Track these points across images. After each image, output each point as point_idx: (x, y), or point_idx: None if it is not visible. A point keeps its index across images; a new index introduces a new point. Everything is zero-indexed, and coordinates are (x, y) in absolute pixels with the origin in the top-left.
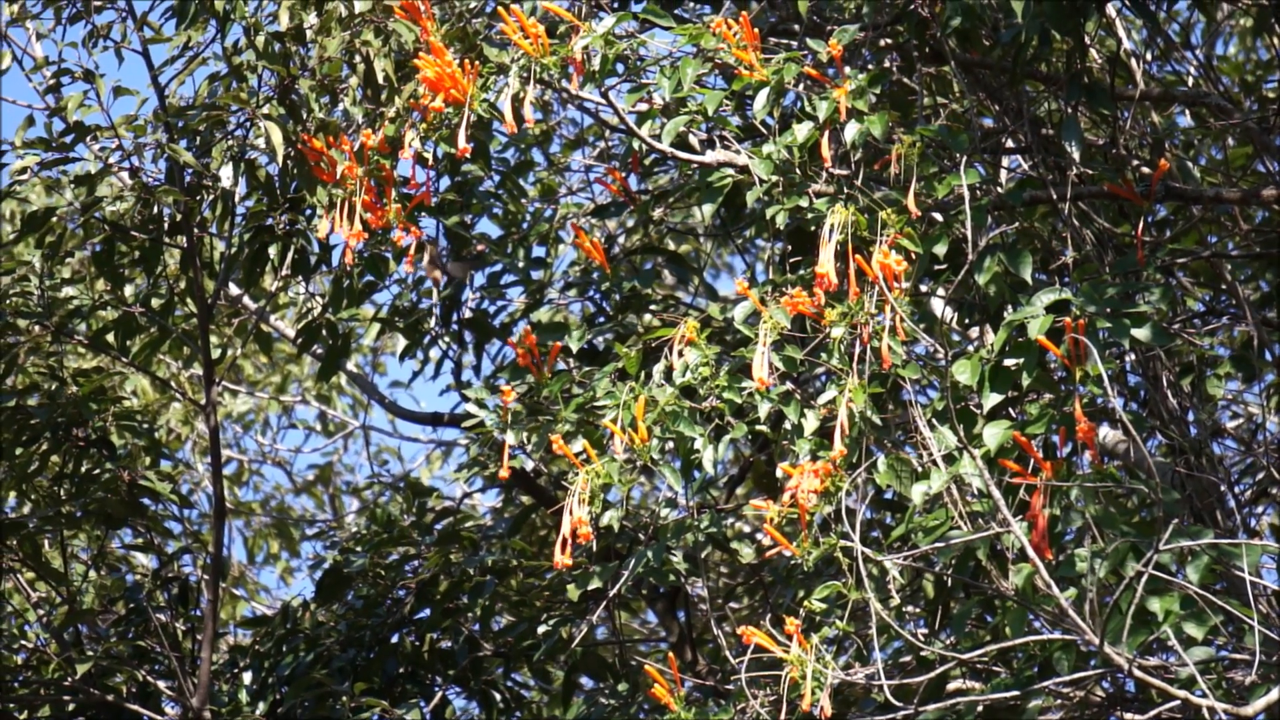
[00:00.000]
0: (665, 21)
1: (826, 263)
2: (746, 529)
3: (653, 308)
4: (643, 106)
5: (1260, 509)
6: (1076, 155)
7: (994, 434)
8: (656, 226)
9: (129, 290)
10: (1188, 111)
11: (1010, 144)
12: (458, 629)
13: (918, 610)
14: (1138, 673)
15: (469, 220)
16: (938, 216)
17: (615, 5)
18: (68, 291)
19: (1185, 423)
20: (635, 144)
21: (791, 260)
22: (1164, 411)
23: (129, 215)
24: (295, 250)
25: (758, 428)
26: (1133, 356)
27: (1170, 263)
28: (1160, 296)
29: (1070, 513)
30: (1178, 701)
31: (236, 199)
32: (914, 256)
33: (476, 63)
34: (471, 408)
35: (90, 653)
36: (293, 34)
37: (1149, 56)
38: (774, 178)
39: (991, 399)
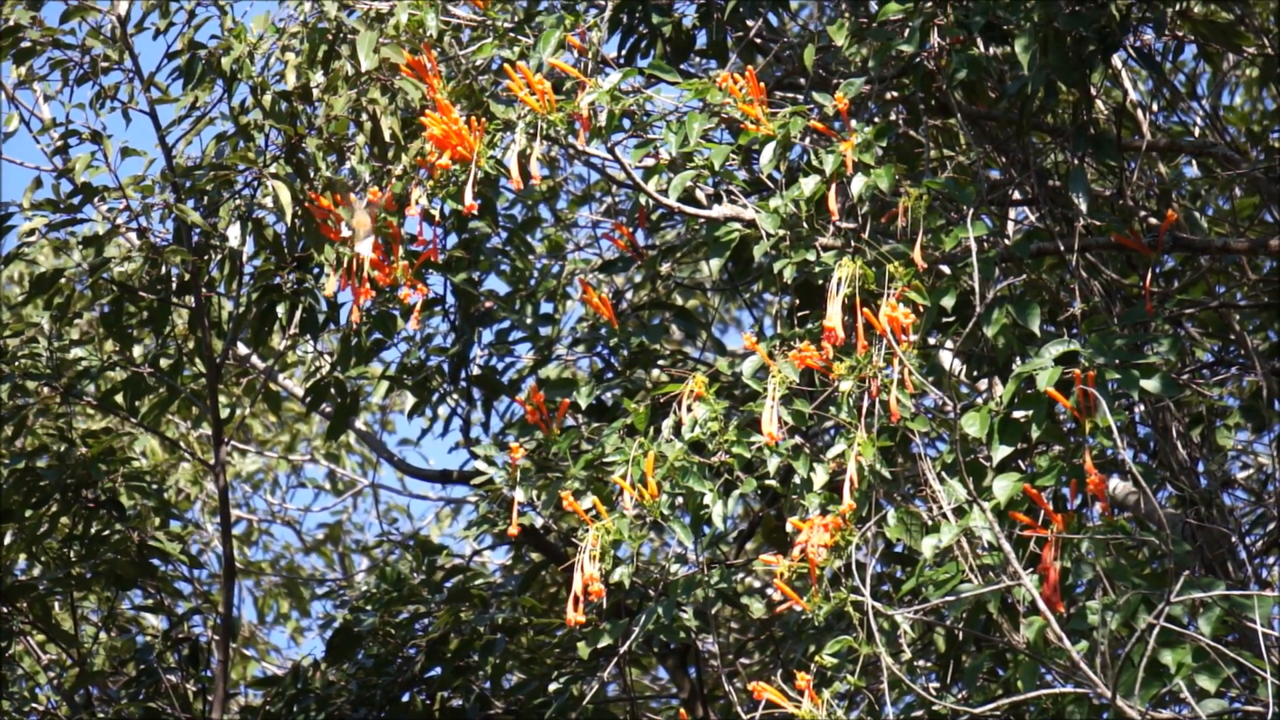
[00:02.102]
0: (671, 77)
1: (834, 316)
2: (757, 584)
3: (661, 363)
4: (649, 162)
5: (1271, 560)
6: (1084, 206)
7: (1004, 486)
8: (664, 281)
9: (137, 351)
10: (1194, 162)
11: (1017, 196)
12: (469, 687)
13: (929, 664)
14: None
15: (477, 277)
16: (945, 269)
17: (621, 61)
18: (76, 353)
19: (1195, 474)
20: (642, 199)
21: (799, 314)
22: (1174, 463)
23: (137, 276)
24: (303, 309)
25: (767, 482)
26: (1142, 408)
27: (1179, 313)
28: (1169, 347)
29: (1081, 565)
30: None
31: (244, 258)
32: (922, 309)
33: (483, 120)
34: (480, 465)
35: (101, 715)
36: (299, 93)
37: (1155, 107)
38: (781, 232)
39: (1001, 451)
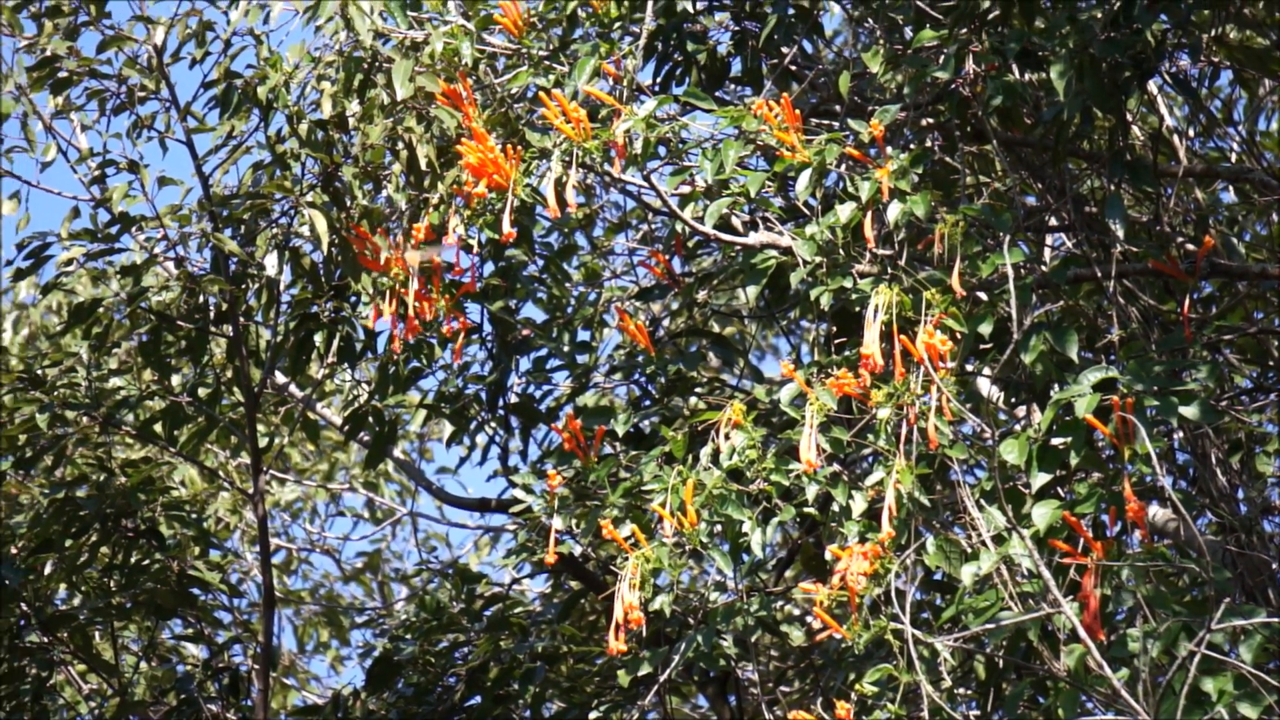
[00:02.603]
0: (707, 104)
1: (871, 343)
2: (796, 612)
3: (698, 390)
4: (685, 189)
5: None
6: (1120, 233)
7: (1043, 514)
8: (701, 309)
9: (176, 380)
10: (1231, 187)
11: (1054, 222)
12: (509, 716)
13: (969, 692)
14: None
15: (513, 305)
16: (982, 296)
17: (656, 89)
18: (115, 382)
19: (1235, 500)
20: (678, 226)
21: (836, 341)
22: (1213, 489)
23: (175, 305)
24: (341, 337)
25: (806, 510)
26: (1181, 434)
27: (1217, 339)
28: (1207, 374)
29: (1121, 592)
30: None
31: (281, 287)
32: (959, 336)
33: (519, 148)
34: (519, 493)
35: None
36: (335, 122)
37: (1191, 133)
38: (817, 259)
39: (1040, 478)
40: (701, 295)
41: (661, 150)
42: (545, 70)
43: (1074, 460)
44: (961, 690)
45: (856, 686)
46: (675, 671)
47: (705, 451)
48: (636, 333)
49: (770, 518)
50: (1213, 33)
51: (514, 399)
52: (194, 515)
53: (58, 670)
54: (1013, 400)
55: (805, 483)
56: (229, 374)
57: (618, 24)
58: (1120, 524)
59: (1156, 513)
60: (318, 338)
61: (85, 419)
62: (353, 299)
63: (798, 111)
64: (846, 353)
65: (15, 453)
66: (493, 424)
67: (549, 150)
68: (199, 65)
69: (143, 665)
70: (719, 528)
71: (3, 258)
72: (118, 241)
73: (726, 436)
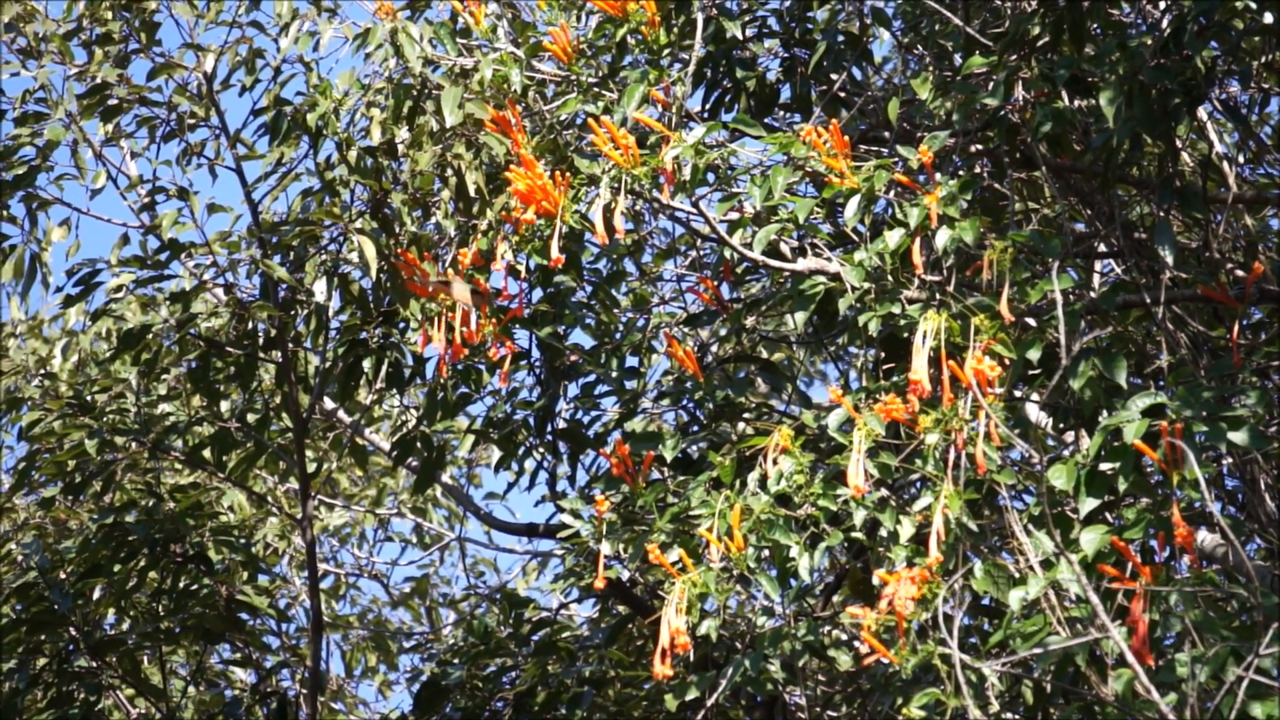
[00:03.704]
0: (755, 130)
1: (920, 369)
2: (844, 636)
3: (746, 416)
4: (734, 215)
5: None
6: (1170, 259)
7: (1091, 539)
8: (749, 335)
9: (225, 406)
10: None
11: (1102, 248)
12: None
13: (1017, 717)
14: None
15: (562, 331)
16: (1031, 321)
17: (705, 115)
18: (164, 408)
19: None
20: (727, 253)
21: (885, 367)
22: (1262, 515)
23: (224, 331)
24: (389, 364)
25: (853, 535)
26: (1230, 460)
27: (1266, 365)
28: (1257, 400)
29: (1169, 618)
30: None
31: (330, 313)
32: (1008, 362)
33: (567, 174)
34: (567, 518)
35: None
36: (384, 149)
37: (1241, 159)
38: (866, 285)
39: (1088, 504)
40: (750, 321)
41: (710, 177)
42: (594, 97)
43: (1122, 486)
44: (1009, 715)
45: (904, 711)
46: (722, 696)
47: (753, 477)
48: (685, 359)
49: (818, 543)
50: (1263, 59)
51: (562, 424)
52: (242, 540)
53: (106, 695)
54: (1061, 426)
55: (853, 508)
56: (278, 400)
57: (667, 51)
58: (1169, 549)
59: (1205, 538)
60: (366, 363)
61: (134, 445)
62: (401, 325)
63: (846, 138)
64: (895, 378)
65: (64, 479)
66: (541, 449)
67: (598, 177)
68: (249, 92)
69: (191, 690)
70: (766, 552)
71: (53, 284)
72: (167, 268)
73: (774, 462)
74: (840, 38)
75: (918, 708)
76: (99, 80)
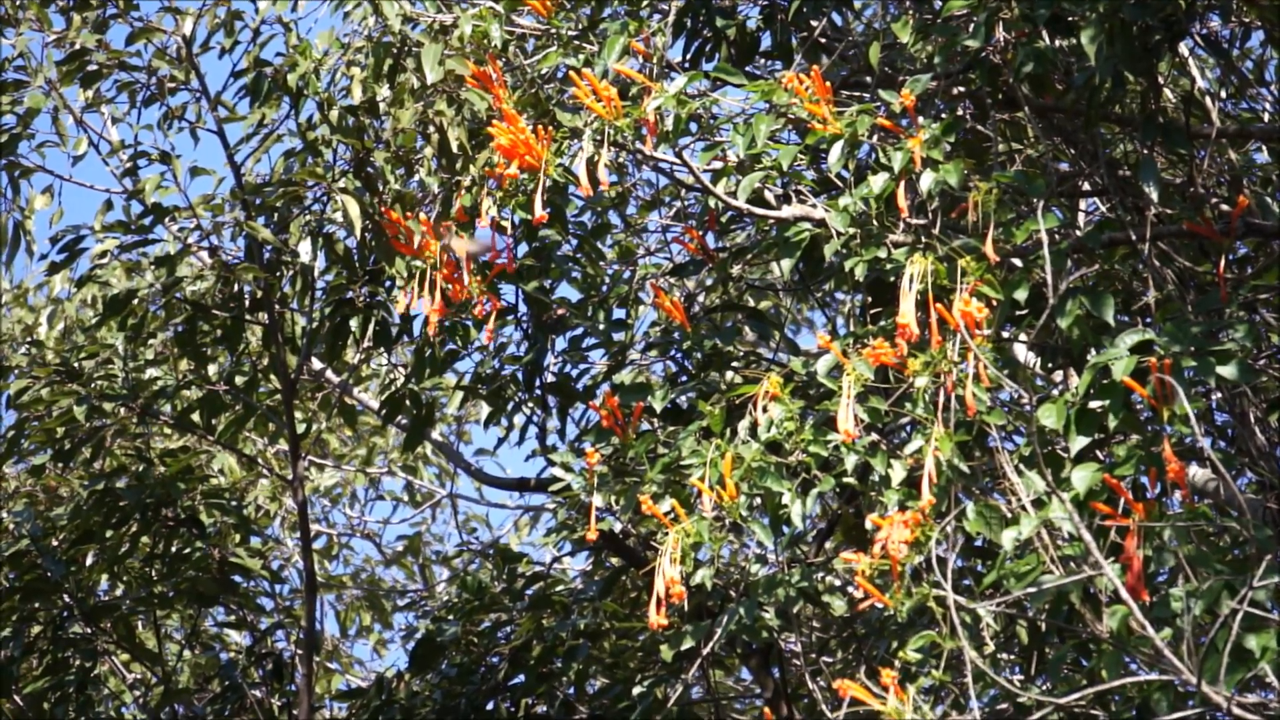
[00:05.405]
0: (737, 79)
1: (907, 313)
2: (837, 582)
3: (735, 365)
4: (717, 165)
5: None
6: (1154, 195)
7: (1082, 477)
8: (735, 284)
9: (212, 369)
10: (1265, 148)
11: (1087, 187)
12: (553, 694)
13: (1013, 657)
14: (1237, 710)
15: (548, 285)
16: (1017, 262)
17: (686, 65)
18: (152, 373)
19: (1275, 459)
20: (711, 202)
21: (872, 312)
22: (1253, 448)
23: (210, 294)
24: (376, 322)
25: (845, 480)
26: (1219, 394)
27: (1253, 299)
28: (1245, 334)
29: (1163, 553)
30: None
31: (316, 273)
32: (995, 303)
33: (550, 128)
34: (558, 472)
35: None
36: (366, 107)
37: (1223, 94)
38: (851, 230)
39: (1079, 442)
40: (736, 270)
41: (693, 127)
42: (575, 50)
43: (1112, 423)
44: (1004, 655)
45: (900, 654)
46: (718, 645)
47: (743, 425)
48: (672, 309)
49: (809, 489)
50: None
51: (551, 378)
52: (234, 503)
53: (101, 660)
54: (1050, 365)
55: (844, 453)
56: (265, 361)
57: (646, 1)
58: (1160, 485)
59: (1196, 473)
60: (353, 323)
61: (123, 410)
62: (387, 283)
63: (828, 84)
64: (882, 323)
65: (54, 446)
66: (530, 404)
67: (580, 130)
68: (228, 55)
69: (186, 653)
70: (758, 500)
71: (37, 252)
72: (151, 233)
73: (764, 409)
74: None
75: (913, 651)
76: (78, 46)
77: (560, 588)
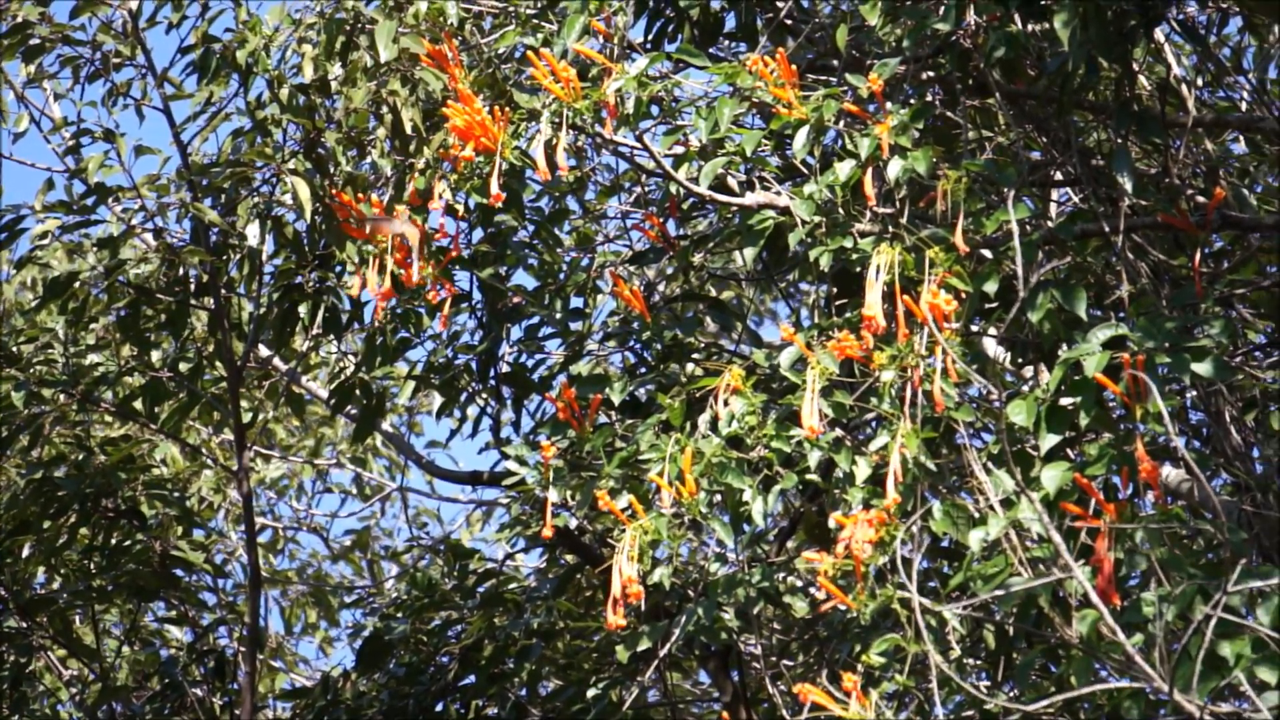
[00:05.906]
0: (700, 61)
1: (874, 304)
2: (799, 582)
3: (695, 357)
4: (679, 149)
5: None
6: (1128, 186)
7: (1053, 476)
8: (697, 273)
9: (156, 355)
10: (1242, 138)
11: (1059, 176)
12: (504, 695)
13: (979, 662)
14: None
15: (504, 272)
16: (987, 253)
17: (648, 46)
18: (93, 358)
19: (1250, 459)
20: (673, 188)
21: (837, 303)
22: (1228, 448)
23: (154, 278)
24: (326, 308)
25: (808, 477)
26: (1194, 392)
27: (1229, 294)
28: (1220, 329)
29: (1135, 556)
30: None
31: (264, 257)
32: (964, 295)
33: (507, 109)
34: (512, 465)
35: None
36: (317, 86)
37: (1200, 82)
38: (816, 218)
39: (1049, 440)
40: (697, 258)
41: (654, 110)
42: (533, 29)
43: (1084, 421)
44: (971, 660)
45: (863, 658)
46: (675, 646)
47: (703, 419)
48: (631, 298)
49: (771, 486)
50: None
51: (505, 369)
52: (176, 494)
53: (37, 656)
54: (1020, 360)
55: (807, 449)
56: (211, 348)
57: None
58: (1133, 485)
59: (1170, 473)
60: (302, 309)
61: (63, 397)
62: (338, 268)
63: (794, 67)
64: (848, 314)
65: None
66: (484, 395)
67: (538, 111)
68: (175, 30)
69: (125, 649)
70: (719, 497)
71: None
72: (94, 213)
73: (725, 403)
74: None
75: (877, 654)
76: (20, 19)
77: (513, 585)
